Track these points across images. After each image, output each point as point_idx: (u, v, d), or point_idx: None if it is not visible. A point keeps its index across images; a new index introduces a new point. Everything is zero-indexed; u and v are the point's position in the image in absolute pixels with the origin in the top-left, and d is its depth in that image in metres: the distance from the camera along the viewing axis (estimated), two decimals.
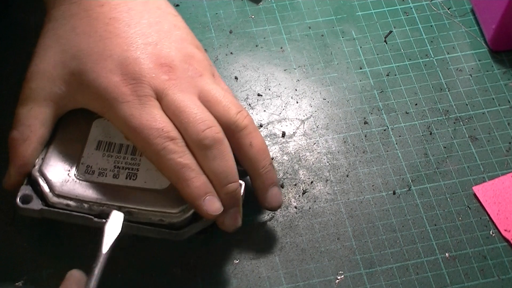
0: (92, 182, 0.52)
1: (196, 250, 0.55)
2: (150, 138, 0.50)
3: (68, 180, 0.52)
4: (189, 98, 0.51)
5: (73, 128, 0.54)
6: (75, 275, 0.48)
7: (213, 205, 0.50)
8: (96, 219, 0.50)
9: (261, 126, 0.61)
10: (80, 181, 0.52)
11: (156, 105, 0.50)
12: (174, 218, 0.50)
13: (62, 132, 0.54)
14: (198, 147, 0.50)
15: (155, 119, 0.50)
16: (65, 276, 0.48)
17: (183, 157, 0.50)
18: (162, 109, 0.51)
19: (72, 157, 0.53)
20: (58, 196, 0.51)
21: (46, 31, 0.54)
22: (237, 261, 0.55)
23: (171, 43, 0.53)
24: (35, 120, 0.52)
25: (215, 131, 0.50)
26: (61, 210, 0.51)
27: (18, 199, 0.51)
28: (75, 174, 0.52)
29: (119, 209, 0.50)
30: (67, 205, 0.51)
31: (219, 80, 0.55)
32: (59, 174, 0.52)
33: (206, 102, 0.52)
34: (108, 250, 0.49)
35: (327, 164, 0.60)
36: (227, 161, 0.51)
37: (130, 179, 0.52)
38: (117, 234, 0.49)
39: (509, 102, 0.63)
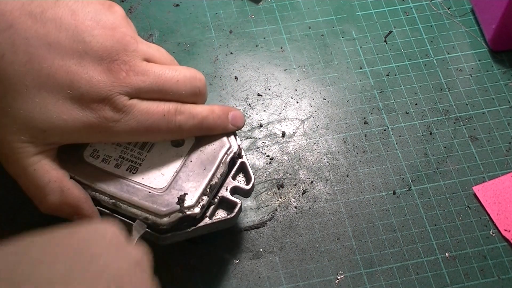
0: (93, 166, 0.52)
1: (196, 250, 0.55)
2: (162, 129, 0.51)
3: (73, 158, 0.52)
4: (152, 71, 0.50)
5: None
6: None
7: (237, 119, 0.54)
8: None
9: (261, 126, 0.61)
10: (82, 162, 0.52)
11: (139, 102, 0.50)
12: (158, 219, 0.50)
13: None
14: (196, 96, 0.53)
15: (152, 114, 0.50)
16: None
17: (197, 113, 0.52)
18: (144, 99, 0.50)
19: None
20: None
21: None
22: (237, 261, 0.55)
23: (93, 34, 0.49)
24: (48, 173, 0.49)
25: (199, 76, 0.53)
26: None
27: None
28: (81, 154, 0.52)
29: (110, 198, 0.51)
30: None
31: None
32: (70, 151, 0.52)
33: (150, 60, 0.52)
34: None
35: (327, 164, 0.60)
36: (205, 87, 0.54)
37: (130, 172, 0.52)
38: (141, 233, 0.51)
39: (509, 102, 0.63)
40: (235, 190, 0.53)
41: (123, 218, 0.51)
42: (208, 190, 0.51)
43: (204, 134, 0.53)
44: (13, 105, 0.47)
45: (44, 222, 0.55)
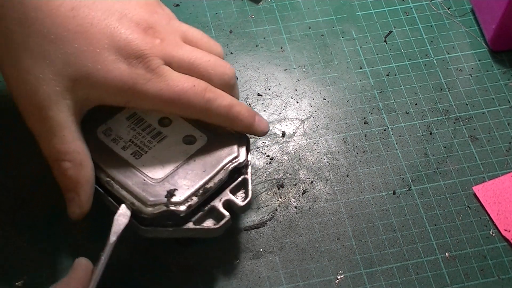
0: (102, 143, 0.52)
1: (196, 250, 0.55)
2: (190, 100, 0.51)
3: (86, 132, 0.52)
4: (188, 49, 0.52)
5: None
6: (82, 263, 0.49)
7: (263, 122, 0.55)
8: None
9: None
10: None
11: (170, 69, 0.51)
12: (143, 207, 0.50)
13: None
14: (226, 87, 0.53)
15: (183, 82, 0.51)
16: (73, 264, 0.49)
17: (225, 98, 0.52)
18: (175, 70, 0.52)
19: (105, 116, 0.54)
20: None
21: (10, 55, 0.49)
22: (237, 261, 0.55)
23: (131, 4, 0.52)
24: (74, 142, 0.50)
25: (230, 68, 0.54)
26: None
27: None
28: (94, 130, 0.53)
29: (106, 175, 0.51)
30: None
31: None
32: (85, 125, 0.52)
33: (190, 42, 0.53)
34: (115, 240, 0.49)
35: (327, 164, 0.60)
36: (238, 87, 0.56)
37: (134, 156, 0.52)
38: (125, 224, 0.50)
39: (509, 102, 0.63)
40: (228, 204, 0.52)
41: (111, 200, 0.51)
42: (200, 192, 0.51)
43: (229, 124, 0.53)
44: (51, 48, 0.49)
45: (44, 222, 0.56)
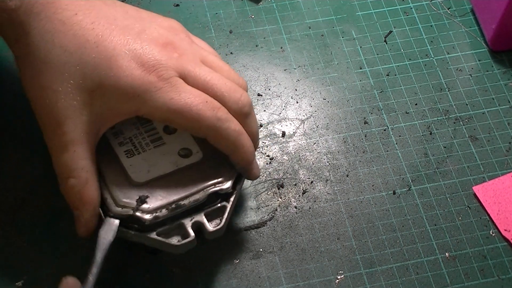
0: (104, 135, 0.52)
1: (196, 250, 0.55)
2: (201, 114, 0.50)
3: None
4: (206, 69, 0.52)
5: None
6: (69, 283, 0.48)
7: (257, 167, 0.54)
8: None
9: (261, 126, 0.61)
10: None
11: (184, 82, 0.51)
12: (113, 206, 0.50)
13: None
14: (239, 115, 0.52)
15: (195, 95, 0.50)
16: (60, 283, 0.48)
17: (236, 124, 0.52)
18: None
19: None
20: None
21: (31, 69, 0.50)
22: (237, 261, 0.55)
23: (151, 23, 0.53)
24: (84, 160, 0.50)
25: (247, 97, 0.53)
26: None
27: None
28: None
29: (98, 167, 0.51)
30: None
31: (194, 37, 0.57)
32: None
33: (210, 67, 0.53)
34: (102, 257, 0.49)
35: (327, 164, 0.60)
36: (256, 122, 0.55)
37: (126, 154, 0.52)
38: (111, 240, 0.49)
39: (509, 102, 0.63)
40: (198, 226, 0.51)
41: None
42: (172, 206, 0.50)
43: (231, 151, 0.52)
44: (70, 60, 0.49)
45: (44, 222, 0.56)
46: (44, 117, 0.50)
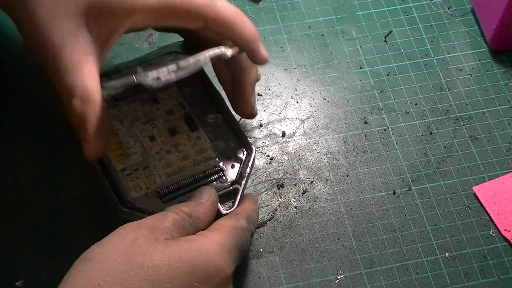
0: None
1: None
2: None
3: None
4: None
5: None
6: (210, 190, 0.51)
7: (264, 48, 0.53)
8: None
9: (261, 126, 0.61)
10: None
11: None
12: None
13: None
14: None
15: None
16: (202, 191, 0.51)
17: (232, 6, 0.52)
18: None
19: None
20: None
21: (25, 20, 0.49)
22: None
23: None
24: (83, 78, 0.48)
25: None
26: None
27: None
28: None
29: None
30: None
31: None
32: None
33: None
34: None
35: (327, 164, 0.60)
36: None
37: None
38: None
39: (509, 102, 0.63)
40: None
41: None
42: (176, 69, 0.50)
43: (231, 31, 0.52)
44: None
45: (44, 222, 0.55)
46: (41, 47, 0.49)
